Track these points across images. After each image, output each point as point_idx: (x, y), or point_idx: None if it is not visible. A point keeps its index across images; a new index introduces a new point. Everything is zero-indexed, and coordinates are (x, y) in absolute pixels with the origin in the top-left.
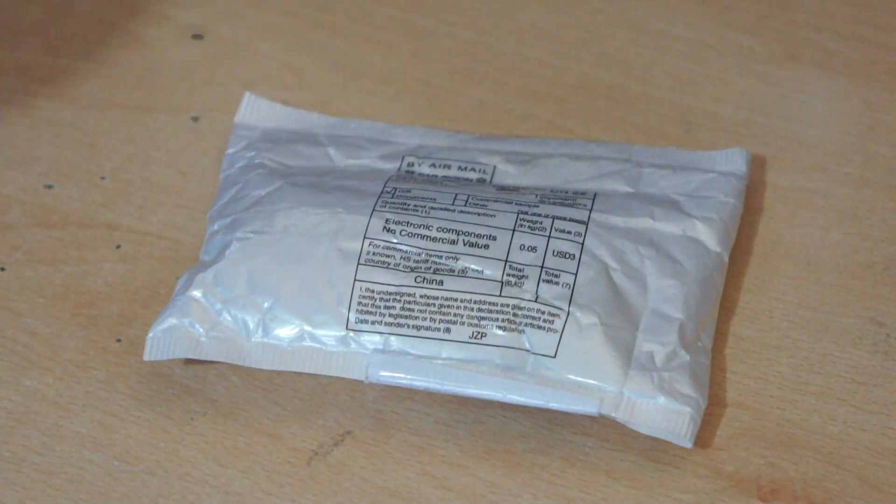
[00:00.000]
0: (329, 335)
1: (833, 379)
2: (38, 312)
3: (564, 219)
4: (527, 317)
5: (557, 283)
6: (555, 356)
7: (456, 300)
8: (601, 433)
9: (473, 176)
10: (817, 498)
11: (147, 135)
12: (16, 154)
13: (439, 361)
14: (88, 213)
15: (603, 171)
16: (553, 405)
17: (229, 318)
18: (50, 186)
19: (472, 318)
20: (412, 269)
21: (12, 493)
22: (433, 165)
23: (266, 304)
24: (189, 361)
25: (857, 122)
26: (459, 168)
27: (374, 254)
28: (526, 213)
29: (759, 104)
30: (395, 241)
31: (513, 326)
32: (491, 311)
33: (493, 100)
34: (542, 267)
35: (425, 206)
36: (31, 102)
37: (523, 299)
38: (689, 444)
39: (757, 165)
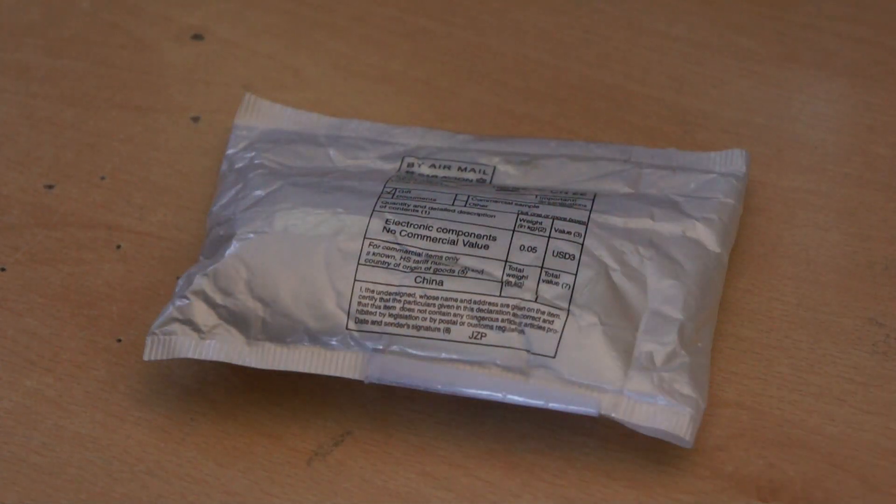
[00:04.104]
0: (329, 335)
1: (833, 379)
2: (38, 312)
3: (564, 219)
4: (527, 317)
5: (557, 284)
6: (555, 356)
7: (456, 300)
8: (601, 433)
9: (473, 176)
10: (817, 498)
11: (147, 135)
12: (16, 154)
13: (439, 361)
14: (88, 213)
15: (603, 172)
16: (553, 405)
17: (229, 318)
18: (50, 186)
19: (472, 318)
20: (412, 270)
21: (12, 493)
22: (433, 166)
23: (266, 304)
24: (189, 361)
25: (857, 122)
26: (459, 169)
27: (374, 254)
28: (526, 213)
29: (759, 104)
30: (395, 241)
31: (513, 326)
32: (491, 312)
33: (493, 100)
34: (541, 267)
35: (425, 207)
36: (31, 102)
37: (523, 299)
38: (688, 445)
39: (757, 165)
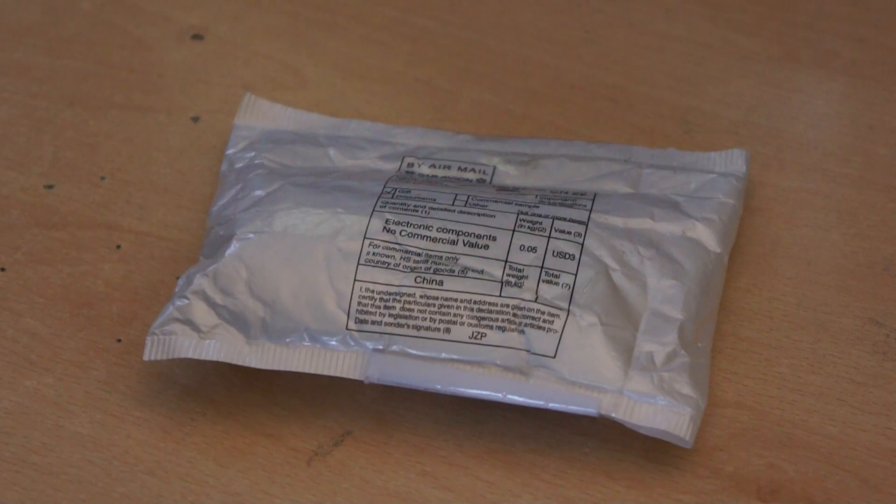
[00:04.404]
0: (329, 335)
1: (832, 379)
2: (38, 312)
3: (564, 219)
4: (527, 317)
5: (557, 284)
6: (555, 356)
7: (456, 300)
8: (601, 433)
9: (473, 176)
10: (817, 498)
11: (147, 135)
12: (16, 154)
13: (439, 361)
14: (88, 213)
15: (603, 172)
16: (553, 405)
17: (229, 318)
18: (50, 186)
19: (472, 318)
20: (412, 270)
21: (12, 493)
22: (433, 166)
23: (266, 304)
24: (189, 361)
25: (857, 122)
26: (459, 168)
27: (374, 254)
28: (526, 213)
29: (759, 104)
30: (395, 241)
31: (513, 326)
32: (491, 312)
33: (493, 100)
34: (541, 267)
35: (425, 207)
36: (31, 102)
37: (523, 299)
38: (688, 445)
39: (757, 165)
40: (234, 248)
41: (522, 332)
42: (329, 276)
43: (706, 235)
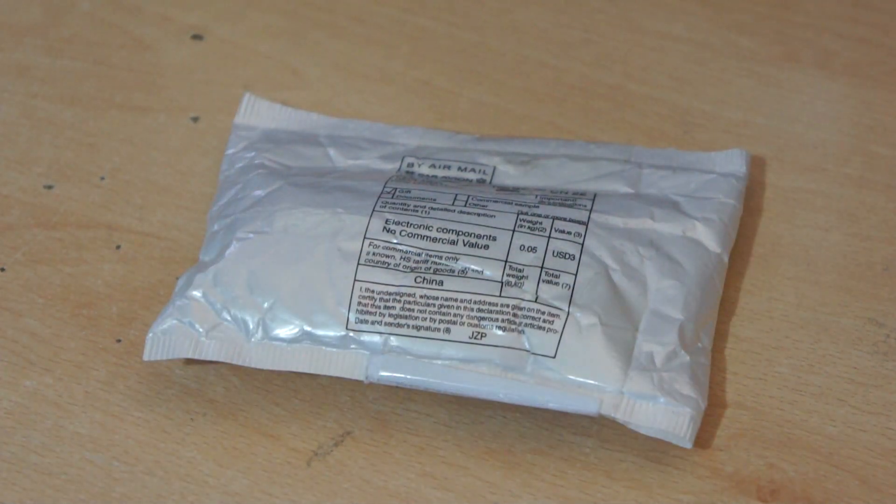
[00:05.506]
0: (329, 335)
1: (832, 380)
2: (38, 312)
3: (564, 219)
4: (527, 317)
5: (557, 284)
6: (555, 356)
7: (456, 300)
8: (601, 433)
9: (473, 176)
10: (817, 498)
11: (147, 135)
12: (16, 154)
13: (439, 361)
14: (88, 214)
15: (603, 172)
16: (552, 405)
17: (229, 318)
18: (50, 186)
19: (472, 318)
20: (412, 270)
21: (12, 493)
22: (433, 166)
23: (266, 304)
24: (189, 361)
25: (857, 122)
26: (459, 169)
27: (374, 254)
28: (526, 213)
29: (759, 104)
30: (395, 241)
31: (513, 327)
32: (491, 312)
33: (493, 100)
34: (541, 267)
35: (425, 207)
36: (31, 102)
37: (523, 299)
38: (688, 445)
39: (757, 166)
40: (234, 248)
41: (522, 332)
42: (329, 276)
43: (706, 235)
